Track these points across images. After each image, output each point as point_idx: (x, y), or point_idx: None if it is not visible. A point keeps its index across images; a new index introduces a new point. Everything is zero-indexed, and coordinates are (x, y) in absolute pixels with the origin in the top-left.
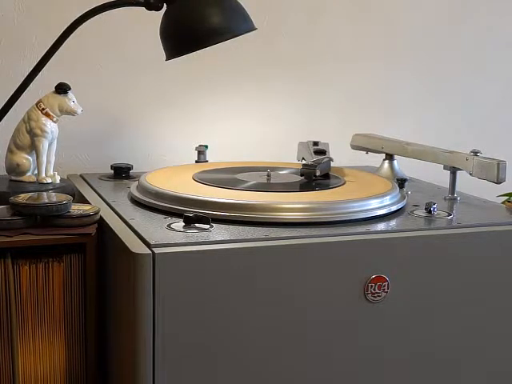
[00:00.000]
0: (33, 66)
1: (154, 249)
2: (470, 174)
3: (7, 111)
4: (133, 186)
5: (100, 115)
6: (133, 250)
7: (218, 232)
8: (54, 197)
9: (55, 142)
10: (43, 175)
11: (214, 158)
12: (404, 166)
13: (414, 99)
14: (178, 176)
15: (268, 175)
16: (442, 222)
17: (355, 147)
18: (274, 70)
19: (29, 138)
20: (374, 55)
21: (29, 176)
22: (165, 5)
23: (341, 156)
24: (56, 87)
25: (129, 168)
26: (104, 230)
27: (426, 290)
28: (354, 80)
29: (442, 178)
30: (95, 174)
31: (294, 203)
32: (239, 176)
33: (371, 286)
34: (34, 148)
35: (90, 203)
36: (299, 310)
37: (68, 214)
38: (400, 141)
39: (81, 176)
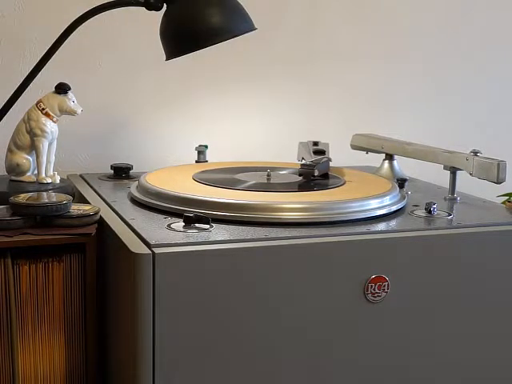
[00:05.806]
0: (33, 66)
1: (154, 249)
2: (470, 174)
3: (7, 111)
4: (133, 186)
5: (100, 115)
6: (133, 250)
7: (218, 232)
8: (54, 197)
9: (55, 142)
10: (43, 175)
11: (214, 158)
12: (404, 166)
13: (414, 99)
14: (178, 176)
15: (268, 175)
16: (441, 222)
17: (355, 147)
18: (273, 70)
19: (29, 138)
20: (374, 55)
21: (29, 176)
22: (165, 5)
23: (341, 156)
24: (56, 87)
25: (129, 168)
26: (104, 230)
27: (426, 290)
28: (354, 80)
29: (442, 178)
30: (95, 174)
31: (294, 203)
32: (239, 176)
33: (371, 285)
34: (33, 148)
35: (89, 203)
36: (299, 310)
37: (68, 214)
38: (400, 141)
39: (81, 176)
